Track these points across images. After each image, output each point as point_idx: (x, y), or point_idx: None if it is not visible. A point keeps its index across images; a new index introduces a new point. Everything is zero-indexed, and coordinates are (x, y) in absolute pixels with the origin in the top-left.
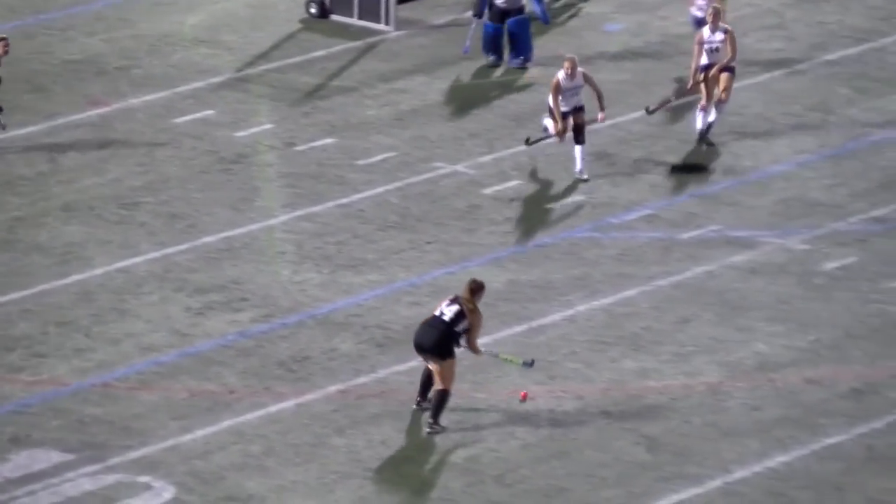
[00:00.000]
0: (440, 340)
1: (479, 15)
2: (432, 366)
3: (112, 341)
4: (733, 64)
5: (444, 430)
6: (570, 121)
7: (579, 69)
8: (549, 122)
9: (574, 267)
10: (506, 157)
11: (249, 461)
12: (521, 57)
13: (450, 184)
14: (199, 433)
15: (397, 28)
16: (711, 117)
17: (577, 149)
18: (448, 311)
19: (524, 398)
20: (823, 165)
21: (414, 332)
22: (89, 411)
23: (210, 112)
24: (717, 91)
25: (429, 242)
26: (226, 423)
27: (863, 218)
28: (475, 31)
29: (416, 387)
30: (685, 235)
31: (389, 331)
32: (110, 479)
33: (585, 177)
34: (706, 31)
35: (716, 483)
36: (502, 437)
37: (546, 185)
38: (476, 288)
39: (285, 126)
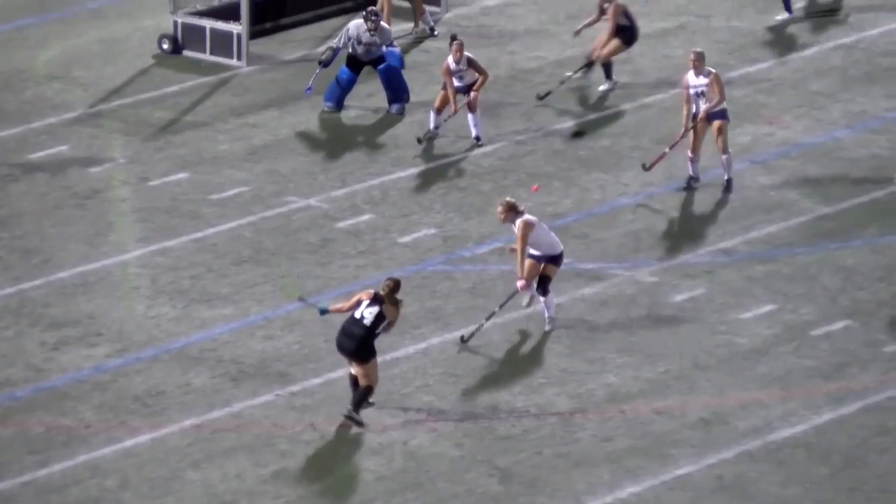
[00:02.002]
0: (361, 344)
1: (325, 64)
2: (355, 367)
3: None
4: (722, 107)
5: (361, 423)
6: (464, 98)
7: (465, 54)
8: (433, 116)
9: (426, 300)
10: (358, 191)
11: (105, 495)
12: (397, 103)
13: (303, 218)
14: (56, 467)
15: (249, 63)
16: (726, 175)
17: (470, 117)
18: (368, 314)
19: (535, 190)
20: (671, 198)
21: (337, 334)
22: None
23: (63, 147)
24: (716, 144)
25: (282, 276)
26: (82, 458)
27: (710, 250)
28: (319, 75)
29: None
30: None
31: (243, 364)
32: None
33: (481, 143)
34: (691, 75)
35: None
36: (356, 468)
37: (398, 218)
38: (395, 286)
39: (139, 161)
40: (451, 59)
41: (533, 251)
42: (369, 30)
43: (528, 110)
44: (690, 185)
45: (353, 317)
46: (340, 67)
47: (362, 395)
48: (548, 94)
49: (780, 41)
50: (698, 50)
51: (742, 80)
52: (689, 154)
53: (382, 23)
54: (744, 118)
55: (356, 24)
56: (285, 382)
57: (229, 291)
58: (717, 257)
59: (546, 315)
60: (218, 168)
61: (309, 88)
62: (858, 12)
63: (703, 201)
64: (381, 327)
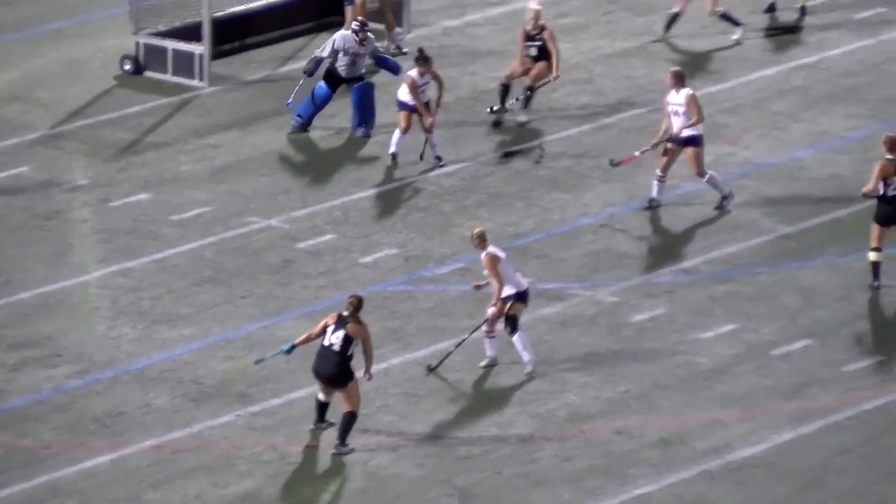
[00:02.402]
0: (337, 371)
1: (310, 73)
2: (325, 394)
3: None
4: (696, 132)
5: (351, 450)
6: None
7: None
8: (395, 137)
9: (388, 320)
10: (320, 212)
11: None
12: (364, 126)
13: (264, 238)
14: (16, 488)
15: (211, 84)
16: (725, 190)
17: (431, 138)
18: (336, 340)
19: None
20: (631, 217)
21: (313, 361)
22: None
23: (25, 168)
24: (691, 170)
25: (243, 297)
26: (41, 479)
27: (671, 269)
28: (302, 87)
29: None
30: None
31: (204, 385)
32: None
33: (443, 163)
34: (672, 92)
35: None
36: (317, 489)
37: (359, 238)
38: (359, 303)
39: (100, 182)
40: (415, 74)
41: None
42: (358, 41)
43: (489, 131)
44: (651, 205)
45: (322, 345)
46: (318, 84)
47: (347, 424)
48: (499, 109)
49: (742, 61)
50: (675, 69)
51: (703, 100)
52: (658, 173)
53: (370, 34)
54: (705, 138)
55: (343, 35)
56: (245, 403)
57: (190, 312)
58: (677, 277)
59: (524, 360)
60: (179, 189)
61: (290, 103)
62: (820, 31)
63: (663, 221)
64: (351, 349)
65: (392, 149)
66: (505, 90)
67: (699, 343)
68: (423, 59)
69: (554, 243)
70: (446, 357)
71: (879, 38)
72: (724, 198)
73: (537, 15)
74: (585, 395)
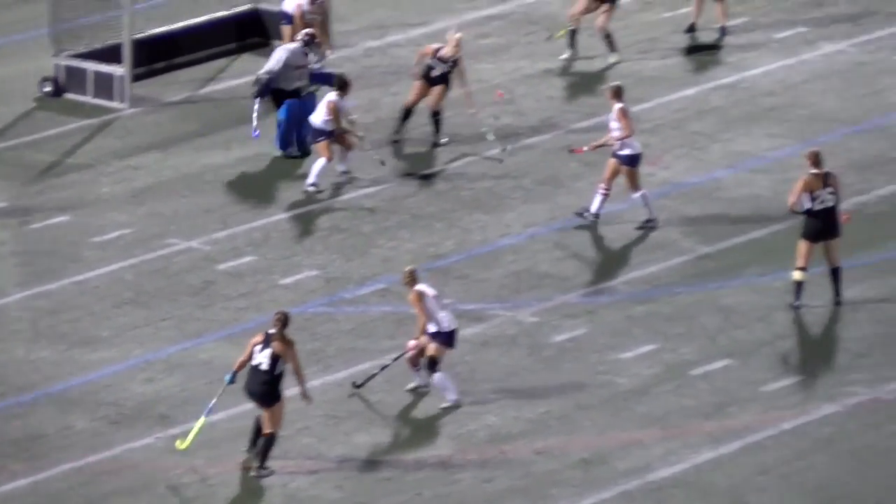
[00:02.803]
0: (266, 390)
1: (259, 95)
2: (263, 412)
3: None
4: (631, 151)
5: (271, 472)
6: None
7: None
8: (318, 168)
9: (308, 342)
10: (240, 234)
11: None
12: (295, 147)
13: (184, 260)
14: None
15: (132, 105)
16: (647, 215)
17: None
18: (264, 359)
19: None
20: (552, 238)
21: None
22: None
23: None
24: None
25: (163, 319)
26: None
27: (591, 290)
28: (260, 112)
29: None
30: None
31: (124, 407)
32: None
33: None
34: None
35: None
36: None
37: (280, 260)
38: (285, 319)
39: (19, 204)
40: (336, 97)
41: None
42: (306, 51)
43: (410, 151)
44: (583, 214)
45: (251, 364)
46: (278, 111)
47: (266, 446)
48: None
49: (662, 81)
50: (613, 84)
51: None
52: (602, 186)
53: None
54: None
55: (287, 48)
56: (166, 425)
57: (110, 334)
58: (597, 297)
59: (447, 399)
60: (100, 211)
61: (256, 132)
62: (740, 51)
63: (583, 242)
64: (279, 367)
65: (312, 179)
66: (406, 115)
67: (619, 363)
68: (342, 84)
69: (475, 264)
70: (370, 379)
71: (800, 58)
72: (649, 220)
73: (459, 43)
74: (506, 416)
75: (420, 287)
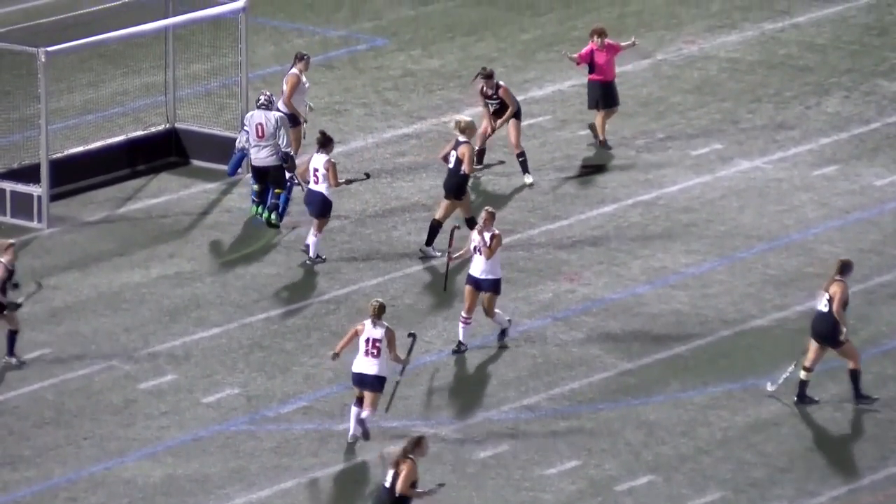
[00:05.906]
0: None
1: (232, 173)
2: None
3: None
4: (494, 277)
5: None
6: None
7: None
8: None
9: (231, 460)
10: (161, 352)
11: None
12: (275, 212)
13: (105, 379)
14: None
15: (50, 225)
16: (507, 324)
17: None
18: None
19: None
20: (474, 355)
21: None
22: None
23: None
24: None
25: (85, 438)
26: None
27: (514, 406)
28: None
29: None
30: (341, 427)
31: None
32: None
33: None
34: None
35: None
36: None
37: (201, 378)
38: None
39: None
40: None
41: None
42: (262, 106)
43: (331, 269)
44: (459, 349)
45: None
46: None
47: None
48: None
49: (579, 198)
50: (487, 209)
51: (543, 236)
52: (463, 315)
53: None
54: (545, 275)
55: (248, 116)
56: None
57: (31, 454)
58: (520, 413)
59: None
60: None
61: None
62: (657, 169)
63: (506, 358)
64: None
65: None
66: (434, 231)
67: (543, 479)
68: (325, 140)
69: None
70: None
71: (716, 175)
72: (503, 331)
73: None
74: None
75: (368, 323)
